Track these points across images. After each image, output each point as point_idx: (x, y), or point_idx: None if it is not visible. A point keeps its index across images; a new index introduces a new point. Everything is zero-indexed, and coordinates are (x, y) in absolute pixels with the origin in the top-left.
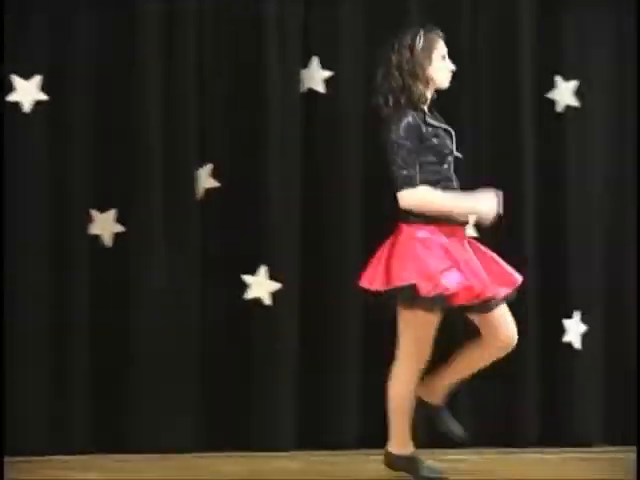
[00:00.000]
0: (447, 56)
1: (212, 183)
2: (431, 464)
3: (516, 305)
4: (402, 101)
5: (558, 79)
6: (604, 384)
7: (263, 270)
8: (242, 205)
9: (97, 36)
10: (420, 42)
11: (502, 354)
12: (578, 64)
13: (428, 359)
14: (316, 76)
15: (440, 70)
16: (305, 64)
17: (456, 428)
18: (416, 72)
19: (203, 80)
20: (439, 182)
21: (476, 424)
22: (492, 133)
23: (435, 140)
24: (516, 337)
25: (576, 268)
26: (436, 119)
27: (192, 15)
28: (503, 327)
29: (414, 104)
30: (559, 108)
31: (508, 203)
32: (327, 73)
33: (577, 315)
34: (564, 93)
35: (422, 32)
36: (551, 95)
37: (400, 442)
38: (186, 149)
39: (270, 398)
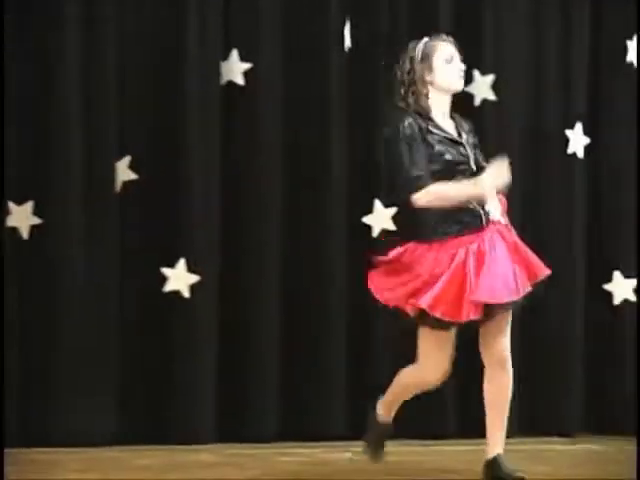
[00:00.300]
0: (455, 58)
1: (130, 176)
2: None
3: None
4: (407, 110)
5: (476, 73)
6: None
7: (182, 263)
8: (161, 198)
9: (17, 23)
10: (419, 52)
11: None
12: (495, 59)
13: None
14: (235, 68)
15: (444, 74)
16: (225, 56)
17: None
18: (416, 83)
19: (122, 72)
20: None
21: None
22: None
23: (439, 147)
24: (509, 361)
25: None
26: (455, 126)
27: (112, 7)
28: (497, 341)
29: (420, 114)
30: (477, 102)
31: None
32: (246, 65)
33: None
34: (481, 87)
35: (424, 41)
36: (469, 89)
37: (385, 407)
38: (104, 141)
39: (189, 391)
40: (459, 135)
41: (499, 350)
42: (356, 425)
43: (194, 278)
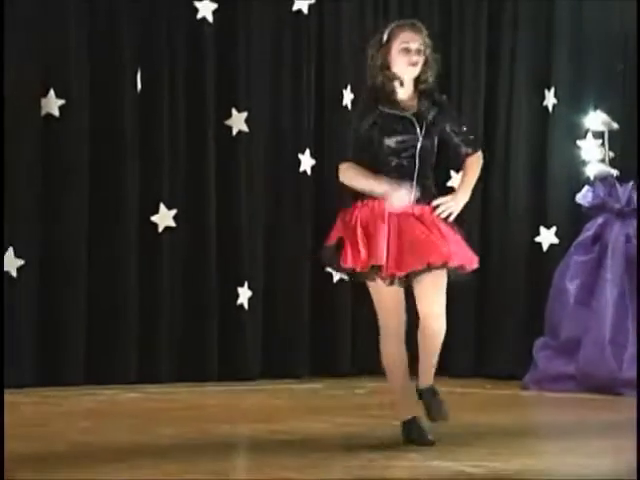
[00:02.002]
0: (412, 48)
1: None
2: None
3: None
4: (370, 85)
5: (234, 109)
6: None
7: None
8: None
9: None
10: (385, 35)
11: (426, 333)
12: (248, 96)
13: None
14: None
15: (397, 61)
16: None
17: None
18: (377, 63)
19: None
20: (390, 171)
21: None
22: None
23: (387, 125)
24: (433, 317)
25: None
26: (417, 107)
27: None
28: (422, 302)
29: (381, 97)
30: (234, 132)
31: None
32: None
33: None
34: (237, 121)
35: (392, 25)
36: (228, 122)
37: (399, 409)
38: None
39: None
40: (417, 116)
41: (423, 305)
42: None
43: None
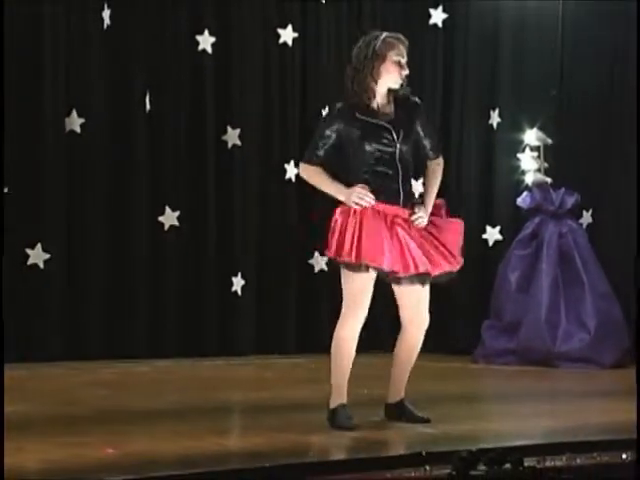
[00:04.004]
0: (403, 62)
1: None
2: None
3: None
4: (348, 91)
5: (229, 127)
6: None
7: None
8: None
9: None
10: (376, 45)
11: (413, 344)
12: (241, 115)
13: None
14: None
15: (390, 72)
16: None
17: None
18: (366, 71)
19: None
20: (363, 176)
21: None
22: None
23: (362, 133)
24: (423, 327)
25: None
26: (395, 115)
27: None
28: (418, 309)
29: (358, 97)
30: (229, 146)
31: None
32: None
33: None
34: (231, 136)
35: (383, 36)
36: (224, 138)
37: (332, 396)
38: None
39: None
40: (393, 124)
41: (419, 312)
42: None
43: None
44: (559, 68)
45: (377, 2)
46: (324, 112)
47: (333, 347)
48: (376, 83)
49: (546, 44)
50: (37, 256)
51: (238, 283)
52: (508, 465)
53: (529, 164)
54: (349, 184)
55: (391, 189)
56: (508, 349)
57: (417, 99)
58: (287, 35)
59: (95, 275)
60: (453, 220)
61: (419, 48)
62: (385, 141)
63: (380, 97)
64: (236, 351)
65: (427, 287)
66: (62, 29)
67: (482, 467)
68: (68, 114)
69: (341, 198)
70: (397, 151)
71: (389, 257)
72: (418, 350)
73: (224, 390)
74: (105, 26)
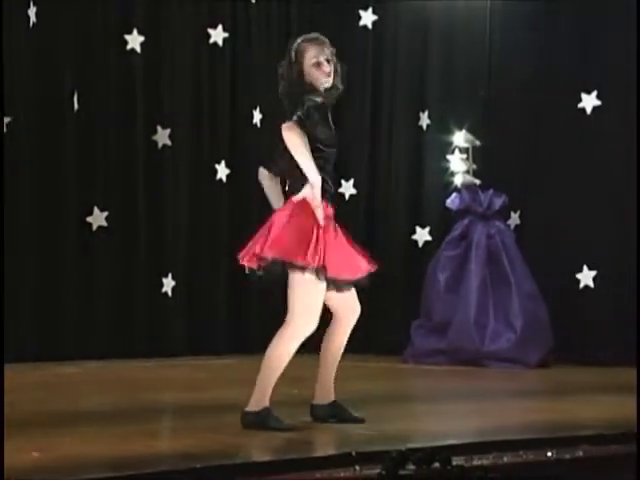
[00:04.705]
0: (322, 59)
1: None
2: (278, 416)
3: None
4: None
5: (159, 127)
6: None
7: None
8: None
9: None
10: (293, 52)
11: (338, 345)
12: (171, 115)
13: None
14: None
15: (312, 76)
16: None
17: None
18: (293, 80)
19: None
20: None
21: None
22: None
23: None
24: (349, 330)
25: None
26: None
27: None
28: (349, 311)
29: (298, 105)
30: (159, 146)
31: None
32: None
33: None
34: (162, 136)
35: (298, 42)
36: (155, 137)
37: (258, 399)
38: None
39: None
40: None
41: (350, 315)
42: None
43: None
44: (487, 69)
45: (306, 3)
46: (255, 114)
47: (270, 357)
48: (312, 85)
49: (474, 45)
50: None
51: (168, 284)
52: (437, 464)
53: (458, 166)
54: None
55: (332, 190)
56: (437, 349)
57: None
58: (217, 35)
59: (24, 276)
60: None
61: (349, 50)
62: (333, 141)
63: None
64: (167, 352)
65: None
66: None
67: (411, 466)
68: None
69: (311, 181)
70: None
71: (338, 264)
72: (343, 348)
73: (154, 391)
74: (31, 24)
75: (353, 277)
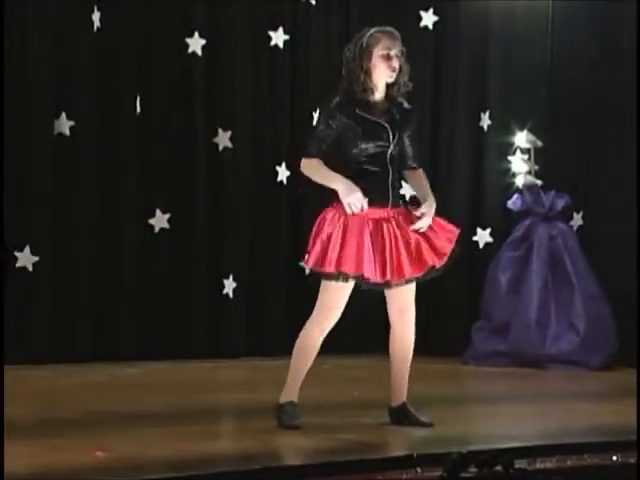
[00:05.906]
0: (393, 54)
1: None
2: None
3: None
4: (345, 89)
5: (219, 129)
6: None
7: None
8: None
9: None
10: (364, 42)
11: (408, 345)
12: (232, 118)
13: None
14: None
15: (378, 67)
16: None
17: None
18: (355, 69)
19: None
20: (353, 172)
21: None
22: None
23: (360, 129)
24: (412, 329)
25: None
26: (389, 112)
27: None
28: (406, 312)
29: (355, 94)
30: (220, 149)
31: None
32: None
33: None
34: (222, 138)
35: (370, 32)
36: (215, 140)
37: (285, 391)
38: None
39: None
40: (389, 120)
41: (407, 317)
42: None
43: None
44: (549, 69)
45: (366, 4)
46: (314, 114)
47: (298, 347)
48: (370, 79)
49: (536, 45)
50: (26, 259)
51: (229, 285)
52: (499, 467)
53: (519, 166)
54: None
55: (379, 189)
56: (498, 351)
57: (409, 107)
58: (278, 37)
59: (84, 278)
60: (448, 226)
61: (409, 50)
62: (380, 140)
63: (378, 93)
64: (226, 353)
65: (413, 284)
66: (51, 31)
67: (473, 469)
68: (57, 116)
69: (340, 188)
70: (389, 151)
71: (371, 266)
72: (411, 348)
73: (213, 392)
74: (95, 28)
75: (392, 281)
